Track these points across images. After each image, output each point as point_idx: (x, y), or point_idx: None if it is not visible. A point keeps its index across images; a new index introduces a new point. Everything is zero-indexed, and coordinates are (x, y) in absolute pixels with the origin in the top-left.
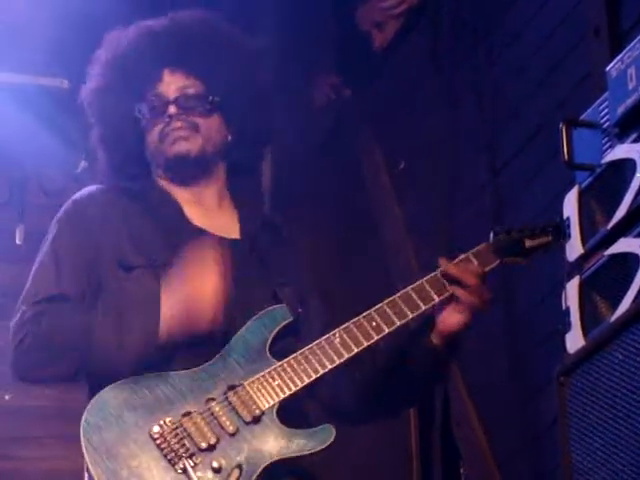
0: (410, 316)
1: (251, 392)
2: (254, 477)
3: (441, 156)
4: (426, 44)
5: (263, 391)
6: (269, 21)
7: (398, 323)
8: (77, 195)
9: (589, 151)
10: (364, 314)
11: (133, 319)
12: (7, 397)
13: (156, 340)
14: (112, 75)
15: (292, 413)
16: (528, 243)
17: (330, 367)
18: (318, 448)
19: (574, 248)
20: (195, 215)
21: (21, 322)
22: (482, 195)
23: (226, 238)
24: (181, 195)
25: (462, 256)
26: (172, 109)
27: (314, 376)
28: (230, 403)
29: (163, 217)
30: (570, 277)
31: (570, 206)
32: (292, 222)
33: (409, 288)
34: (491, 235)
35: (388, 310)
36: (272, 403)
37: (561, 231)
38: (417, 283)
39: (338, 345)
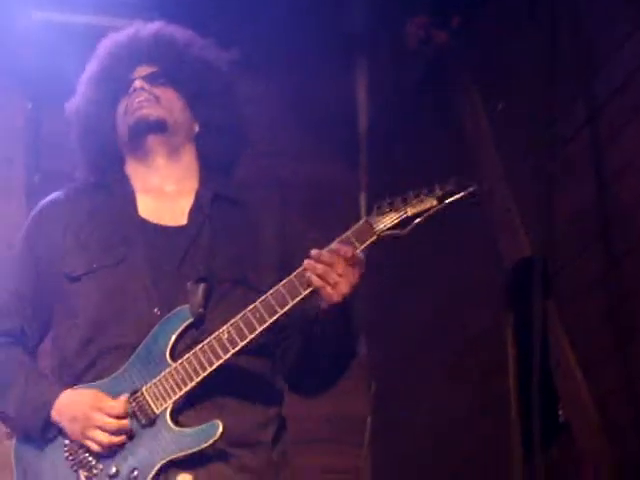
0: (290, 304)
1: (147, 397)
2: (149, 478)
3: (538, 98)
4: None
5: (157, 395)
6: None
7: (280, 311)
8: (40, 203)
9: None
10: (249, 307)
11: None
12: None
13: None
14: (94, 80)
15: (190, 411)
16: (411, 211)
17: (217, 364)
18: (202, 446)
19: None
20: (145, 205)
21: None
22: (580, 137)
23: (169, 227)
24: (142, 180)
25: (342, 236)
26: (137, 83)
27: (202, 374)
28: (131, 409)
29: (117, 212)
30: None
31: None
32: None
33: (292, 276)
34: (374, 209)
35: (272, 301)
36: (164, 406)
37: (447, 192)
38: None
39: (225, 341)
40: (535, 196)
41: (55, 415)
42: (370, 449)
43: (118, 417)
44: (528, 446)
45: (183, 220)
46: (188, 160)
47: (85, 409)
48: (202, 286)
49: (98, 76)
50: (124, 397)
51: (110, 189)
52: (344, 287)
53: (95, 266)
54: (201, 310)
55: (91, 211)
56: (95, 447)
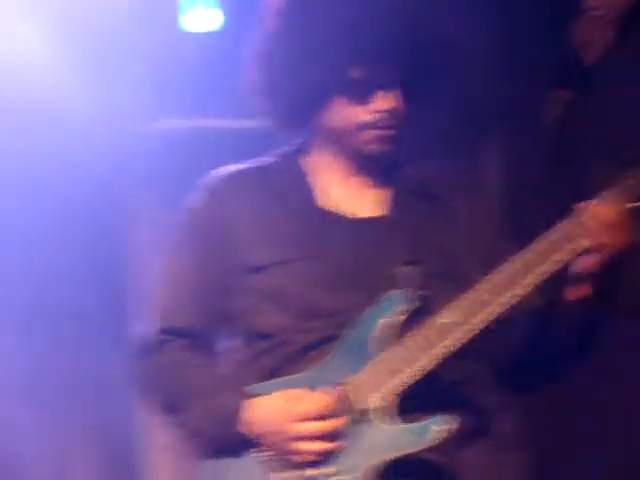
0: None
1: (355, 388)
2: None
3: None
4: None
5: (368, 385)
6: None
7: (534, 278)
8: (208, 183)
9: None
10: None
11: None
12: None
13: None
14: (325, 41)
15: (407, 404)
16: None
17: (442, 346)
18: (430, 443)
19: None
20: (327, 195)
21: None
22: None
23: (361, 218)
24: (326, 170)
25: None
26: (387, 102)
27: (422, 361)
28: (336, 403)
29: (291, 201)
30: None
31: None
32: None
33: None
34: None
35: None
36: (376, 398)
37: None
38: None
39: (453, 324)
40: None
41: (243, 429)
42: None
43: (323, 416)
44: None
45: (377, 212)
46: None
47: (278, 420)
48: (415, 269)
49: (332, 39)
50: (327, 389)
51: (277, 173)
52: (619, 241)
53: (284, 258)
54: (418, 294)
55: (263, 198)
56: (304, 459)
